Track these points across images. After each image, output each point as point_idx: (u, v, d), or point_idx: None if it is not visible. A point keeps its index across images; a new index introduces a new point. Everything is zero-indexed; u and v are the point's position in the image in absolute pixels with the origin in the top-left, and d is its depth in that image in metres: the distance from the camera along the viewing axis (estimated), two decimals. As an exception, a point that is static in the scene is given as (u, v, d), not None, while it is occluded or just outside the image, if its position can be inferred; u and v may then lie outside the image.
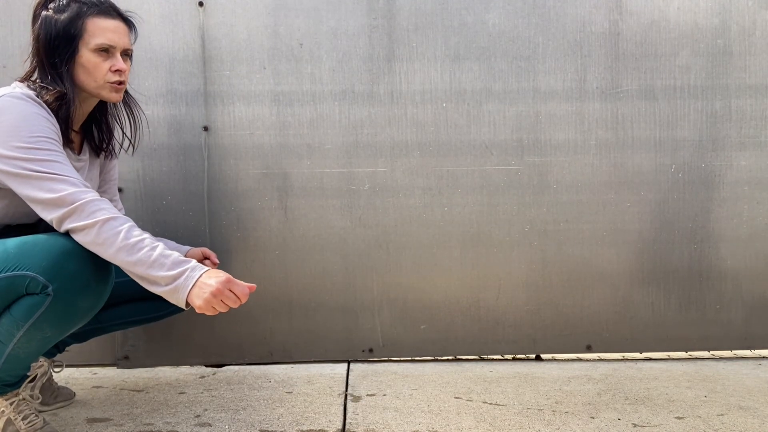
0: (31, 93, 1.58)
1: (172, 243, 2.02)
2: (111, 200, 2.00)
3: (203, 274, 1.50)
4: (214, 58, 2.33)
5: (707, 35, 2.40)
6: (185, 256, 1.93)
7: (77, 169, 1.74)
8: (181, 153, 2.34)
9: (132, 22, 1.75)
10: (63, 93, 1.61)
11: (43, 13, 1.63)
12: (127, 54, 1.72)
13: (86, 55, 1.63)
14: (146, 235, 1.53)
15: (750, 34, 2.40)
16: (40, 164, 1.50)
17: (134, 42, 1.78)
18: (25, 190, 1.50)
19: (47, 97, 1.60)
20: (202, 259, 2.05)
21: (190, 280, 1.48)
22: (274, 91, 2.35)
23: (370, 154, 2.38)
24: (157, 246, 1.50)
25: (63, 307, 1.47)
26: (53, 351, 1.95)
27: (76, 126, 1.76)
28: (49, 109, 1.58)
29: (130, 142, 1.92)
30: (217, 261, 2.08)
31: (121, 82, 1.69)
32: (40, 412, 1.82)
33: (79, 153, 1.78)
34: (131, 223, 1.53)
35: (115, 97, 1.71)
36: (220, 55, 2.33)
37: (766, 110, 2.43)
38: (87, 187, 1.53)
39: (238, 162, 2.35)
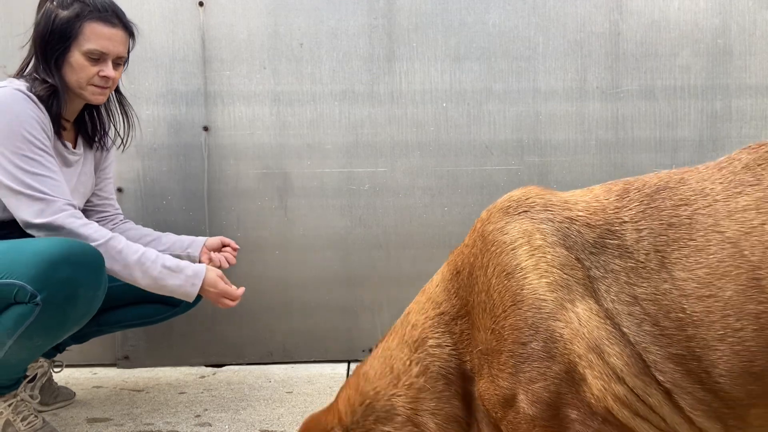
0: (23, 86, 1.58)
1: (186, 238, 1.99)
2: (107, 198, 1.98)
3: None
4: (214, 58, 2.33)
5: (707, 35, 2.40)
6: (204, 246, 1.95)
7: (71, 163, 1.75)
8: (181, 153, 2.34)
9: (133, 31, 1.74)
10: (55, 88, 1.62)
11: (48, 4, 1.63)
12: (119, 60, 1.72)
13: (76, 57, 1.64)
14: (139, 254, 1.62)
15: (750, 34, 2.40)
16: (31, 177, 1.52)
17: (132, 49, 1.78)
18: (11, 201, 1.53)
19: (40, 91, 1.60)
20: (221, 248, 2.01)
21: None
22: (274, 91, 2.35)
23: (370, 154, 2.38)
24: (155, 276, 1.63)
25: (53, 317, 1.43)
26: (53, 351, 1.95)
27: (71, 118, 1.77)
28: (40, 104, 1.59)
29: (122, 140, 1.92)
30: (237, 246, 2.04)
31: (106, 86, 1.70)
32: (39, 412, 1.81)
33: (74, 147, 1.78)
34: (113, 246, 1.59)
35: (98, 99, 1.72)
36: (220, 55, 2.33)
37: (766, 110, 2.43)
38: (68, 200, 1.57)
39: (238, 162, 2.35)
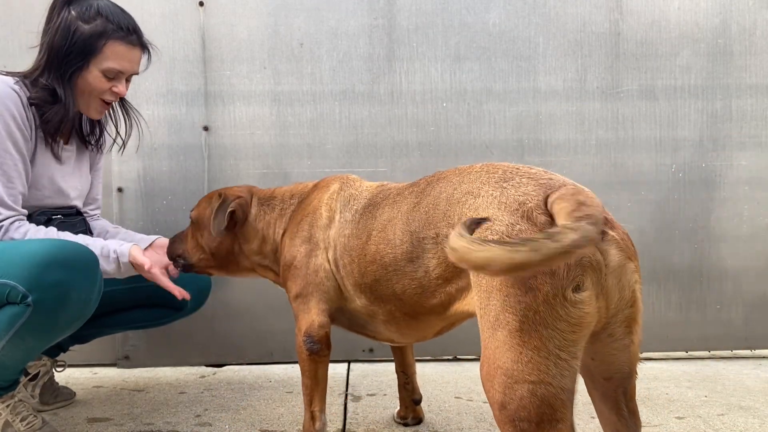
0: (11, 81, 1.58)
1: (138, 235, 1.94)
2: (95, 199, 1.98)
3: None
4: (215, 57, 2.33)
5: (708, 35, 2.40)
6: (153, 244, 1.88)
7: (63, 160, 1.74)
8: (181, 153, 2.34)
9: (149, 49, 1.75)
10: (59, 99, 1.61)
11: (66, 13, 1.60)
12: (131, 76, 1.74)
13: (93, 73, 1.63)
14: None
15: (750, 34, 2.40)
16: None
17: (147, 68, 1.79)
18: None
19: (39, 96, 1.59)
20: None
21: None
22: (274, 90, 2.35)
23: (371, 153, 2.38)
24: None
25: (44, 319, 1.41)
26: (56, 351, 1.95)
27: (70, 120, 1.75)
28: (24, 101, 1.58)
29: (123, 142, 1.91)
30: None
31: (111, 102, 1.72)
32: (39, 411, 1.81)
33: (67, 143, 1.78)
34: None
35: (98, 115, 1.74)
36: (220, 55, 2.33)
37: (766, 110, 2.43)
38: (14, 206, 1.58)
39: (238, 162, 2.35)
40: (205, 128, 2.34)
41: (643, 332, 2.63)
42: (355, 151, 2.37)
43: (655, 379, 2.20)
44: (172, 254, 1.79)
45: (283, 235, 1.69)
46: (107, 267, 1.61)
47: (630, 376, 1.16)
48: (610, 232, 1.05)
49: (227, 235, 1.73)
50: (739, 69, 2.41)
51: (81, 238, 1.63)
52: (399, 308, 1.40)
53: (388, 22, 2.35)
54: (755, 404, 1.93)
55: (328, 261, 1.55)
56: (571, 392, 1.02)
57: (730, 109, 2.42)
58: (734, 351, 2.52)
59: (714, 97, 2.42)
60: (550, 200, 1.05)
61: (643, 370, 2.33)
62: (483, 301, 1.06)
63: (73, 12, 1.61)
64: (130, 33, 1.66)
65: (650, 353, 2.52)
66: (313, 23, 2.34)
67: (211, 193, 1.79)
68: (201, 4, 2.31)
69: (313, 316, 1.54)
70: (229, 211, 1.69)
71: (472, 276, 1.11)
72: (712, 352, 2.52)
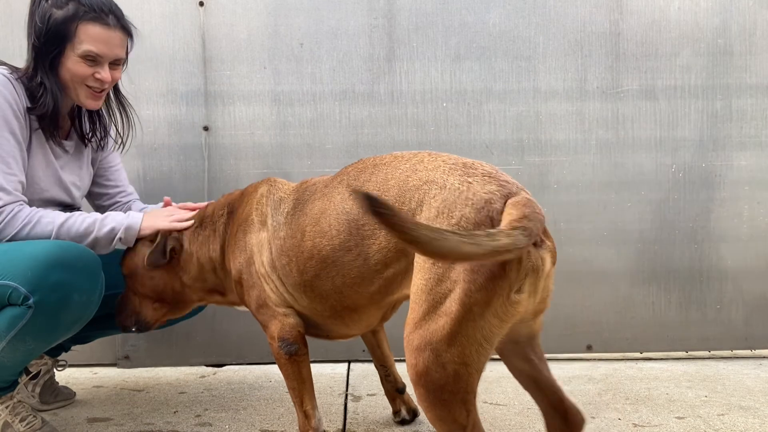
0: (5, 70, 1.58)
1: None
2: (127, 193, 1.97)
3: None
4: (215, 58, 2.33)
5: (708, 35, 2.40)
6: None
7: (58, 152, 1.73)
8: (181, 153, 2.34)
9: (131, 32, 1.70)
10: (48, 89, 1.60)
11: (43, 3, 1.59)
12: (117, 62, 1.68)
13: (72, 59, 1.60)
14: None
15: (751, 34, 2.40)
16: None
17: (131, 50, 1.75)
18: None
19: (31, 88, 1.59)
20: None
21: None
22: (274, 91, 2.35)
23: (371, 153, 2.35)
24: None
25: (45, 320, 1.41)
26: (57, 350, 1.94)
27: (63, 113, 1.73)
28: (20, 91, 1.58)
29: (122, 140, 1.89)
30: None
31: (101, 90, 1.67)
32: (39, 411, 1.82)
33: (65, 138, 1.76)
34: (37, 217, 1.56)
35: (92, 104, 1.68)
36: (220, 55, 2.33)
37: (766, 110, 2.43)
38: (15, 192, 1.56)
39: (238, 162, 2.35)
40: (205, 128, 2.34)
41: (643, 332, 2.64)
42: (355, 151, 2.37)
43: (655, 379, 2.20)
44: (124, 324, 1.76)
45: (222, 251, 1.66)
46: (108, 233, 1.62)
47: (534, 336, 1.35)
48: (547, 242, 1.18)
49: (166, 272, 1.69)
50: (739, 69, 2.41)
51: (80, 215, 1.63)
52: (340, 302, 1.42)
53: (388, 22, 2.35)
54: (755, 404, 1.93)
55: (262, 264, 1.54)
56: (482, 371, 1.20)
57: (730, 109, 2.42)
58: (734, 351, 2.52)
59: (714, 97, 2.42)
60: (507, 203, 1.15)
61: (643, 370, 2.33)
62: (431, 286, 1.16)
63: (48, 1, 1.59)
64: (105, 14, 1.61)
65: (650, 353, 2.52)
66: (313, 23, 2.34)
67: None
68: (201, 4, 2.31)
69: (281, 319, 1.54)
70: (170, 248, 1.66)
71: (426, 263, 1.18)
72: (712, 352, 2.52)
